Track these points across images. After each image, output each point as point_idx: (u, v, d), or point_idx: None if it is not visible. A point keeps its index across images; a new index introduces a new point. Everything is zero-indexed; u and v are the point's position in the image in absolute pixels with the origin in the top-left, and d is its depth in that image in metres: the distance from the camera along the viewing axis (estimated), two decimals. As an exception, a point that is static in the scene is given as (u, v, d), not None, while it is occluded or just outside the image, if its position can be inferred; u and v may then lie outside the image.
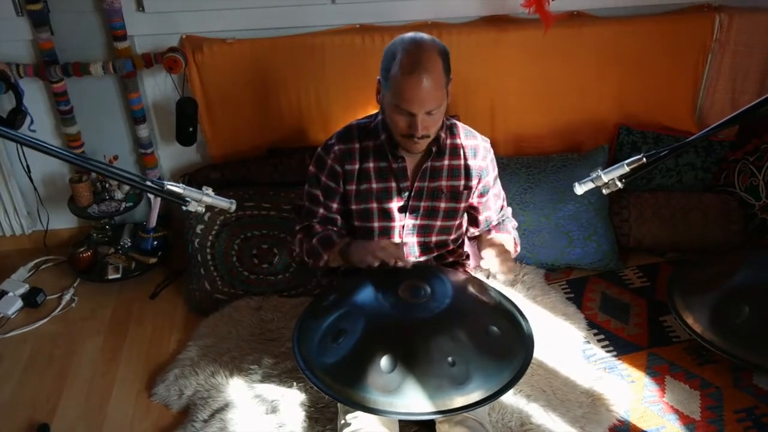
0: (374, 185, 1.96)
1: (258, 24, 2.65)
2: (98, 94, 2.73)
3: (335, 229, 2.02)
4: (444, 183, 1.98)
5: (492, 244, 1.88)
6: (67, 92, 2.65)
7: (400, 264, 1.81)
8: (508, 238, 2.03)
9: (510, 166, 2.83)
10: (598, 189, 1.70)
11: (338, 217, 2.03)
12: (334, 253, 1.92)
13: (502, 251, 1.85)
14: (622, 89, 2.93)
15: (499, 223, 2.12)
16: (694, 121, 3.03)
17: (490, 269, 1.87)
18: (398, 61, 1.74)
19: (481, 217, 2.10)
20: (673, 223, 2.78)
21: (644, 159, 1.59)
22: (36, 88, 2.68)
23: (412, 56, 1.72)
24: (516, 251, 2.04)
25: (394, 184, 1.96)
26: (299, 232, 2.04)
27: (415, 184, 1.96)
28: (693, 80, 2.97)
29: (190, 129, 2.67)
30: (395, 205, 1.98)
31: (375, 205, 1.98)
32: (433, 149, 1.92)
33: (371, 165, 1.95)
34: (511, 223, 2.14)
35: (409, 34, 1.78)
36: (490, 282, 2.05)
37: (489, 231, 2.10)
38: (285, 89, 2.73)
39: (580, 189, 1.71)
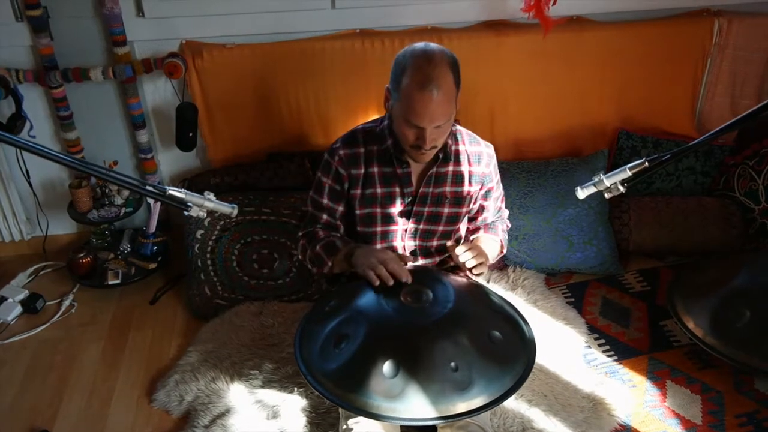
0: (379, 190, 1.96)
1: (258, 29, 2.65)
2: (98, 99, 2.72)
3: (338, 235, 2.02)
4: (448, 189, 1.98)
5: (467, 244, 1.94)
6: (67, 98, 2.65)
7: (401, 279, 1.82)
8: (495, 239, 2.09)
9: (510, 170, 2.83)
10: (599, 193, 1.70)
11: (341, 224, 2.04)
12: (338, 259, 1.92)
13: (473, 249, 1.90)
14: (621, 94, 2.94)
15: (491, 224, 2.14)
16: (693, 125, 3.04)
17: (461, 266, 1.92)
18: (409, 74, 1.73)
19: (480, 218, 2.12)
20: (673, 227, 2.78)
21: (646, 163, 1.60)
22: (35, 93, 2.67)
23: (424, 71, 1.72)
24: (501, 252, 2.13)
25: (398, 189, 1.96)
26: (302, 238, 2.04)
27: (420, 190, 1.96)
28: (692, 85, 2.97)
29: (190, 134, 2.67)
30: (398, 209, 1.99)
31: (379, 210, 1.98)
32: (440, 156, 1.92)
33: (376, 170, 1.95)
34: (502, 225, 2.16)
35: (420, 45, 1.77)
36: (492, 286, 2.05)
37: (478, 229, 2.13)
38: (285, 94, 2.73)
39: (582, 193, 1.72)
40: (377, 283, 1.79)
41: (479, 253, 1.91)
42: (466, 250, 1.89)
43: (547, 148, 2.99)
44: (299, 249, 2.05)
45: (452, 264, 2.12)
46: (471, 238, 2.11)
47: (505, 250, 2.15)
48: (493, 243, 2.07)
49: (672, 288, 2.42)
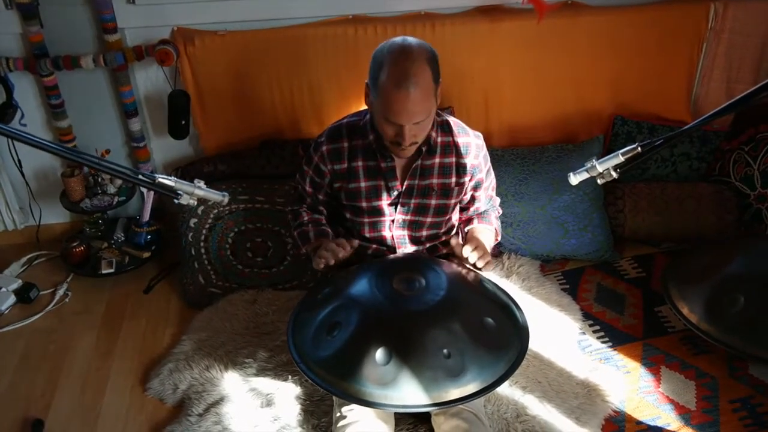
0: (363, 184, 1.96)
1: (250, 15, 2.63)
2: (89, 87, 2.70)
3: (319, 218, 2.09)
4: (435, 181, 1.97)
5: (471, 241, 1.92)
6: (58, 86, 2.63)
7: (343, 255, 1.87)
8: (489, 229, 2.08)
9: (504, 157, 2.82)
10: (593, 179, 1.70)
11: (323, 209, 2.10)
12: (308, 250, 2.01)
13: (479, 249, 1.88)
14: (616, 79, 2.92)
15: (483, 213, 2.13)
16: (689, 110, 3.02)
17: (466, 263, 1.91)
18: (386, 71, 1.71)
19: (472, 208, 2.12)
20: (668, 213, 2.77)
21: (639, 148, 1.59)
22: (26, 81, 2.65)
23: (400, 67, 1.69)
24: (496, 240, 2.14)
25: (383, 183, 1.96)
26: (290, 213, 2.15)
27: (406, 182, 1.95)
28: (688, 69, 2.95)
29: (183, 122, 2.65)
30: (385, 202, 1.98)
31: (364, 203, 1.98)
32: (423, 148, 1.91)
33: (360, 164, 1.95)
34: (495, 213, 2.16)
35: (398, 41, 1.75)
36: (485, 273, 2.05)
37: (471, 219, 2.12)
38: (278, 81, 2.71)
39: (575, 179, 1.71)
40: (321, 267, 1.85)
41: (485, 252, 1.89)
42: (473, 250, 1.86)
43: (542, 134, 2.98)
44: (289, 220, 2.16)
45: (444, 251, 2.12)
46: (465, 229, 2.10)
47: (499, 237, 2.15)
48: (487, 233, 2.07)
49: (667, 274, 2.41)
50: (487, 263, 1.88)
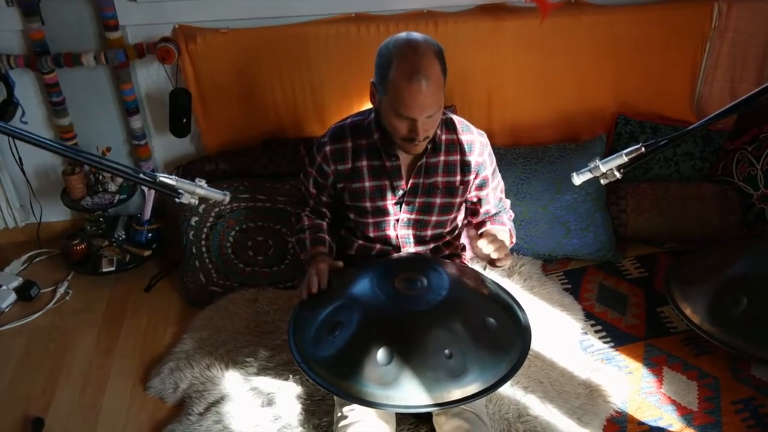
0: (367, 183, 1.95)
1: (252, 13, 2.62)
2: (90, 85, 2.69)
3: (320, 224, 2.07)
4: (440, 179, 1.96)
5: (487, 236, 1.89)
6: (59, 83, 2.62)
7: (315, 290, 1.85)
8: (503, 229, 2.06)
9: (507, 156, 2.81)
10: (596, 179, 1.69)
11: (327, 211, 2.09)
12: (305, 257, 2.01)
13: (495, 241, 1.85)
14: (619, 78, 2.91)
15: (495, 215, 2.11)
16: (692, 110, 3.01)
17: (484, 259, 1.89)
18: (395, 66, 1.70)
19: (481, 210, 2.10)
20: (670, 213, 2.76)
21: (643, 148, 1.58)
22: (27, 79, 2.64)
23: (411, 62, 1.68)
24: (512, 242, 2.10)
25: (387, 182, 1.95)
26: (293, 216, 2.14)
27: (411, 181, 1.94)
28: (691, 69, 2.94)
29: (184, 120, 2.64)
30: (389, 201, 1.98)
31: (368, 204, 1.98)
32: (428, 146, 1.90)
33: (364, 163, 1.94)
34: (507, 215, 2.13)
35: (403, 36, 1.74)
36: (487, 273, 2.04)
37: (484, 222, 2.10)
38: (280, 79, 2.71)
39: (578, 179, 1.71)
40: (304, 296, 1.84)
41: (501, 245, 1.86)
42: (489, 243, 1.85)
43: (545, 133, 2.97)
44: (293, 223, 2.15)
45: (447, 252, 2.11)
46: (479, 231, 2.08)
47: (514, 239, 2.12)
48: (503, 232, 2.04)
49: (669, 274, 2.41)
50: (505, 256, 1.85)
